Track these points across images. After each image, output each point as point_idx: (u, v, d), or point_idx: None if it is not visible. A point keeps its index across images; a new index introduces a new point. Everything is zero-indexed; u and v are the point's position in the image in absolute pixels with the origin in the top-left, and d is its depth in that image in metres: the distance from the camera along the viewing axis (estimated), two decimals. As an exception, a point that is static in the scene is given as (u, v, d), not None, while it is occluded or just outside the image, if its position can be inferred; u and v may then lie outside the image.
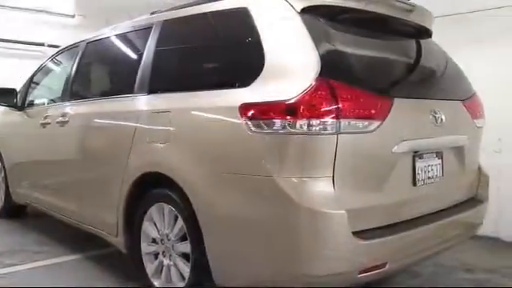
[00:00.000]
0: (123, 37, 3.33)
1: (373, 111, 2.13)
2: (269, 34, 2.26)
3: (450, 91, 2.77)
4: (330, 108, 2.00)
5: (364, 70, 2.30)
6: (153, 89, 2.80)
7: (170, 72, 2.79)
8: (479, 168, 3.07)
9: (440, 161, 2.59)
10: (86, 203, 3.36)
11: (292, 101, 2.02)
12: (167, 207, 2.58)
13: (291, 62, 2.17)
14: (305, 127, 1.99)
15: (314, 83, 2.02)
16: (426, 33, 2.88)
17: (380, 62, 2.47)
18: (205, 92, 2.45)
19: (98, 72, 4.02)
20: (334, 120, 2.00)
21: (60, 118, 3.56)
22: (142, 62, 2.91)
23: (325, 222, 1.99)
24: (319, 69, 2.06)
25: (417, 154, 2.42)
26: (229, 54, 2.49)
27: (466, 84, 2.94)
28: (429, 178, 2.51)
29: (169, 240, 2.59)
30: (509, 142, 4.15)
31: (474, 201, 2.94)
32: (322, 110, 2.00)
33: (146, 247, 2.75)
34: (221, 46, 2.57)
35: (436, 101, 2.54)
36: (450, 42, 4.56)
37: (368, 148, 2.13)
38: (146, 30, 3.01)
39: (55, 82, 4.18)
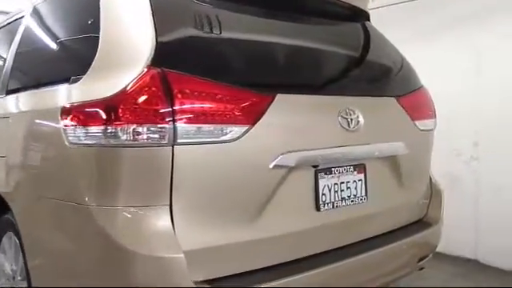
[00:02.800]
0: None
1: (234, 112, 1.53)
2: (108, 14, 1.68)
3: (378, 85, 2.15)
4: (161, 108, 1.42)
5: (231, 56, 1.70)
6: (9, 88, 2.25)
7: (22, 67, 2.24)
8: (431, 182, 2.44)
9: (361, 176, 1.98)
10: None
11: (109, 100, 1.44)
12: (13, 237, 2.03)
13: (125, 48, 1.58)
14: (126, 136, 1.41)
15: (139, 75, 1.44)
16: (354, 14, 2.28)
17: (262, 47, 1.84)
18: (41, 90, 1.89)
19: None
20: (167, 125, 1.41)
21: None
22: (7, 57, 2.38)
23: (153, 269, 1.41)
24: (152, 55, 1.47)
25: (320, 169, 1.81)
26: (69, 42, 1.93)
27: (406, 77, 2.31)
28: (342, 199, 1.90)
29: (14, 279, 2.04)
30: (487, 148, 3.49)
31: (419, 224, 2.31)
32: (149, 111, 1.41)
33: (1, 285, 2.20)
34: (65, 34, 2.01)
35: (350, 98, 1.92)
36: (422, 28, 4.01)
37: (227, 164, 1.53)
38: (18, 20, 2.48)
39: None
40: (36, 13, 2.23)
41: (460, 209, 3.63)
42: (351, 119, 1.86)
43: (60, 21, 2.09)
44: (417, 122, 2.21)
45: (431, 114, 2.35)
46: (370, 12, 2.52)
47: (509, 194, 3.36)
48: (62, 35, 2.02)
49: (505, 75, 3.35)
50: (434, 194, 2.42)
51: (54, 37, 2.07)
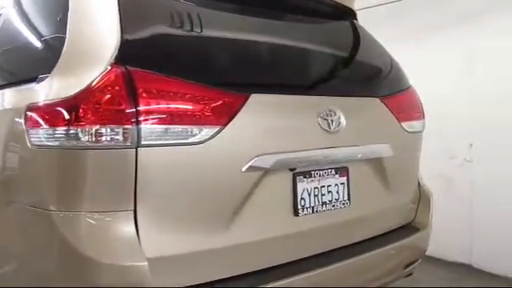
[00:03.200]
0: None
1: (204, 112, 1.46)
2: (76, 11, 1.60)
3: (362, 85, 2.08)
4: (125, 108, 1.34)
5: (203, 55, 1.62)
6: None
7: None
8: (419, 186, 2.36)
9: (344, 179, 1.90)
10: None
11: (70, 100, 1.37)
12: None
13: (90, 45, 1.51)
14: (88, 137, 1.33)
15: (102, 73, 1.37)
16: (339, 12, 2.20)
17: (236, 45, 1.74)
18: (11, 89, 1.82)
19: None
20: (131, 126, 1.34)
21: None
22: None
23: (114, 278, 1.33)
24: (116, 53, 1.40)
25: (299, 172, 1.74)
26: (39, 41, 1.85)
27: (393, 77, 2.24)
28: (323, 203, 1.83)
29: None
30: (481, 149, 3.42)
31: (407, 229, 2.23)
32: (112, 111, 1.34)
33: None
34: (36, 32, 1.92)
35: (331, 98, 1.84)
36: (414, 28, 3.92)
37: (196, 167, 1.46)
38: None
39: None
40: (8, 10, 2.16)
41: (454, 212, 3.56)
42: (332, 120, 1.79)
43: (31, 18, 2.02)
44: (403, 124, 2.14)
45: (419, 116, 2.27)
46: (360, 12, 2.45)
47: (503, 198, 3.28)
48: (33, 33, 1.94)
49: (499, 75, 3.28)
50: (422, 197, 2.34)
51: (26, 35, 1.99)
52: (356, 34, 2.24)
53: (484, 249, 3.42)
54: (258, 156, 1.56)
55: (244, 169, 1.54)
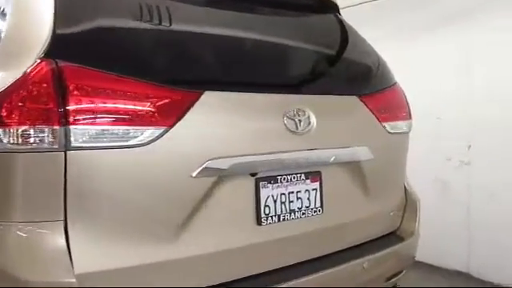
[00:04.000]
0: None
1: (146, 112, 1.32)
2: (17, 3, 1.47)
3: (338, 83, 1.92)
4: (52, 107, 1.21)
5: (149, 49, 1.47)
6: None
7: None
8: (406, 191, 2.19)
9: (316, 185, 1.75)
10: None
11: (-8, 96, 1.24)
12: None
13: (22, 39, 1.37)
14: (12, 139, 1.20)
15: (29, 68, 1.24)
16: (316, 4, 2.05)
17: (189, 38, 1.58)
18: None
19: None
20: (59, 127, 1.20)
21: None
22: None
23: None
24: (46, 46, 1.27)
25: (262, 178, 1.59)
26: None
27: (375, 74, 2.07)
28: (292, 211, 1.67)
29: None
30: (480, 150, 3.22)
31: (390, 238, 2.07)
32: (38, 110, 1.20)
33: None
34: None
35: (300, 96, 1.69)
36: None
37: (138, 172, 1.32)
38: None
39: None
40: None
41: (451, 217, 3.38)
42: (300, 120, 1.63)
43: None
44: (385, 124, 1.97)
45: (405, 115, 2.10)
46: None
47: (502, 202, 3.09)
48: None
49: (498, 72, 3.09)
50: (408, 204, 2.17)
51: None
52: (334, 27, 2.08)
53: (483, 256, 3.23)
54: (211, 160, 1.41)
55: (195, 174, 1.39)
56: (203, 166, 1.40)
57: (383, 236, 2.05)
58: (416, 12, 3.53)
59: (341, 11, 2.20)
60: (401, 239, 2.07)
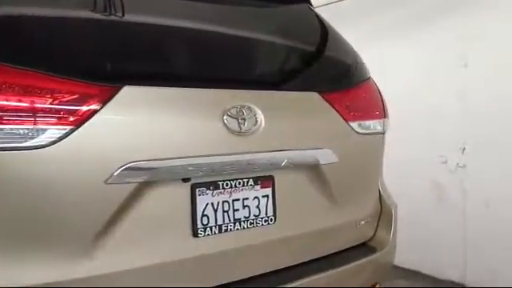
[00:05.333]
0: None
1: (48, 108, 1.15)
2: None
3: (295, 77, 1.73)
4: None
5: (57, 36, 1.29)
6: None
7: None
8: (380, 197, 1.99)
9: (267, 191, 1.56)
10: None
11: None
12: None
13: None
14: None
15: None
16: None
17: (108, 25, 1.39)
18: None
19: None
20: None
21: None
22: None
23: None
24: None
25: (199, 184, 1.41)
26: None
27: (343, 68, 1.88)
28: (237, 221, 1.49)
29: None
30: (476, 153, 2.99)
31: (360, 250, 1.87)
32: None
33: None
34: None
35: (246, 92, 1.50)
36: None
37: (38, 177, 1.15)
38: None
39: None
40: None
41: (445, 224, 3.15)
42: (243, 119, 1.45)
43: None
44: (354, 124, 1.78)
45: (378, 114, 1.90)
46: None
47: (499, 209, 2.86)
48: None
49: (494, 68, 2.85)
50: (383, 211, 1.97)
51: None
52: (297, 17, 1.89)
53: (479, 266, 2.99)
54: (129, 163, 1.24)
55: (108, 180, 1.22)
56: (119, 170, 1.23)
57: (353, 247, 1.85)
58: (406, 5, 3.31)
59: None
60: (372, 250, 1.88)
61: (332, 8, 3.60)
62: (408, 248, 3.30)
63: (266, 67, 1.69)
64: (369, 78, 1.94)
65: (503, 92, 2.81)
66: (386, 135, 3.04)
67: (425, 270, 3.26)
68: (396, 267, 3.26)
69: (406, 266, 3.33)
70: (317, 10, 1.95)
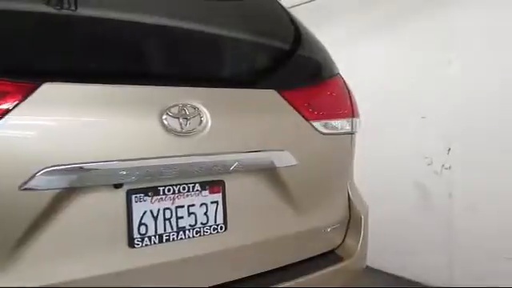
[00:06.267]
0: None
1: None
2: None
3: (249, 73, 1.60)
4: None
5: None
6: None
7: None
8: (350, 202, 1.87)
9: (217, 197, 1.44)
10: None
11: None
12: None
13: None
14: None
15: None
16: None
17: (23, 17, 1.29)
18: None
19: None
20: None
21: None
22: None
23: None
24: None
25: (135, 190, 1.29)
26: None
27: (307, 64, 1.76)
28: (180, 230, 1.37)
29: None
30: (462, 154, 2.86)
31: (326, 259, 1.74)
32: None
33: None
34: None
35: (189, 89, 1.38)
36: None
37: None
38: None
39: None
40: None
41: (430, 229, 3.02)
42: (186, 119, 1.33)
43: None
44: (317, 123, 1.65)
45: (345, 113, 1.77)
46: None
47: (486, 212, 2.72)
48: None
49: (482, 64, 2.71)
50: (353, 217, 1.85)
51: None
52: (253, 5, 1.75)
53: (466, 274, 2.86)
54: (48, 168, 1.12)
55: (24, 186, 1.10)
56: (36, 175, 1.11)
57: (317, 256, 1.73)
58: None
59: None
60: (339, 259, 1.75)
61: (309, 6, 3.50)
62: (391, 252, 3.17)
63: (216, 62, 1.56)
64: (336, 75, 1.82)
65: (489, 89, 2.67)
66: (374, 135, 2.94)
67: (408, 276, 3.12)
68: (376, 271, 3.15)
69: (389, 270, 3.21)
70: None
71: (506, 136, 2.60)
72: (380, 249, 2.91)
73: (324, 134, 1.67)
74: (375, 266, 3.05)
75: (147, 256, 1.31)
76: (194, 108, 1.35)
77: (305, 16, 1.96)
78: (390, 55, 3.17)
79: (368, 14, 3.30)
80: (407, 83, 3.07)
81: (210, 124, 1.37)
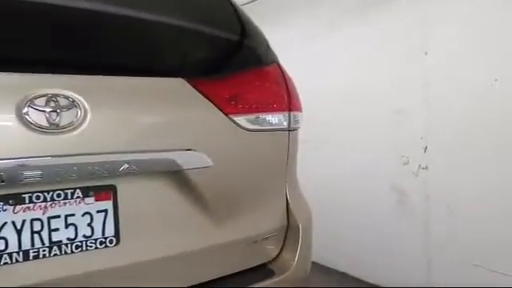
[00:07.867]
0: None
1: None
2: None
3: (146, 58, 1.37)
4: None
5: None
6: None
7: None
8: (288, 209, 1.63)
9: (106, 204, 1.22)
10: None
11: None
12: None
13: None
14: None
15: None
16: None
17: None
18: None
19: None
20: None
21: None
22: None
23: None
24: None
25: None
26: None
27: (228, 48, 1.52)
28: (54, 244, 1.15)
29: None
30: (439, 152, 2.60)
31: (254, 275, 1.51)
32: None
33: None
34: None
35: (64, 77, 1.16)
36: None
37: None
38: None
39: None
40: None
41: (407, 233, 2.77)
42: (56, 112, 1.10)
43: None
44: (239, 118, 1.42)
45: (279, 107, 1.54)
46: None
47: (464, 215, 2.47)
48: None
49: (458, 56, 2.46)
50: (290, 226, 1.61)
51: None
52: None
53: (444, 281, 2.61)
54: None
55: None
56: None
57: (243, 271, 1.50)
58: None
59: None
60: (270, 275, 1.52)
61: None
62: (366, 259, 2.93)
63: (105, 46, 1.32)
64: (271, 63, 1.58)
65: (468, 83, 2.41)
66: (345, 134, 2.70)
67: (383, 283, 2.88)
68: (349, 277, 2.91)
69: (362, 277, 2.97)
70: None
71: (486, 132, 2.34)
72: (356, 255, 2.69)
73: (249, 130, 1.44)
74: (355, 274, 2.83)
75: (6, 277, 1.09)
76: (68, 99, 1.12)
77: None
78: (359, 48, 2.91)
79: (338, 2, 3.05)
80: (380, 78, 2.82)
81: (89, 118, 1.14)
